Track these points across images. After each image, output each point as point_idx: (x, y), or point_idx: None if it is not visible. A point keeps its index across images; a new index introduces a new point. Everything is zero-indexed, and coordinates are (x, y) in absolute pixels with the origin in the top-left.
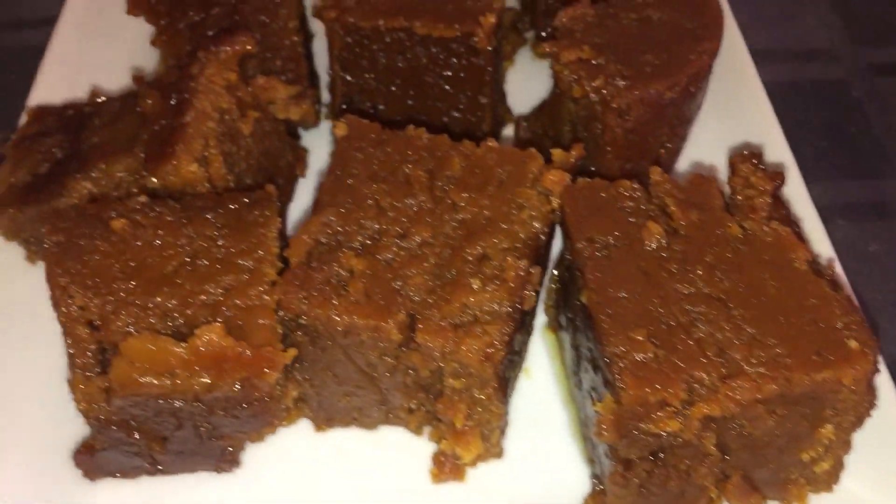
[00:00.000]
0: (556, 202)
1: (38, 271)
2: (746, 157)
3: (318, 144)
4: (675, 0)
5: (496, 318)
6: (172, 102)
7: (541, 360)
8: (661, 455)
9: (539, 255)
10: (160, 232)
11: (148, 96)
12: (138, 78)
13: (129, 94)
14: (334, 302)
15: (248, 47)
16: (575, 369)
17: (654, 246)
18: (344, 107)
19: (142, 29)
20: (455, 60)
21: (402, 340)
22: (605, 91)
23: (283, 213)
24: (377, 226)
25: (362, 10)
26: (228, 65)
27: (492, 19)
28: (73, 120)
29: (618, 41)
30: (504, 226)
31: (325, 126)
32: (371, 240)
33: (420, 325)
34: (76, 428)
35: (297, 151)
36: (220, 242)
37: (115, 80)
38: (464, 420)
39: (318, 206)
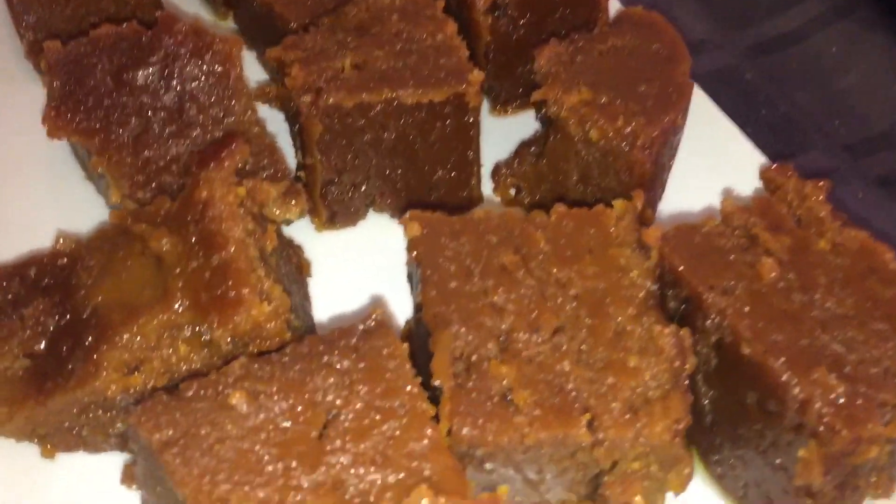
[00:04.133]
0: (655, 256)
1: (58, 466)
2: (783, 171)
3: (301, 237)
4: (630, 26)
5: (670, 391)
6: (194, 237)
7: None
8: (847, 479)
9: (664, 312)
10: (286, 395)
11: (158, 236)
12: (119, 216)
13: (110, 234)
14: (516, 421)
15: (246, 155)
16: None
17: (771, 280)
18: (323, 191)
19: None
20: (441, 122)
21: (590, 441)
22: (628, 131)
23: None
24: (503, 325)
25: (339, 88)
26: (231, 180)
27: (480, 76)
28: (43, 278)
29: (604, 76)
30: (621, 293)
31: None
32: (505, 341)
33: (602, 422)
34: None
35: (296, 252)
36: (355, 388)
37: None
38: (641, 497)
39: (433, 319)
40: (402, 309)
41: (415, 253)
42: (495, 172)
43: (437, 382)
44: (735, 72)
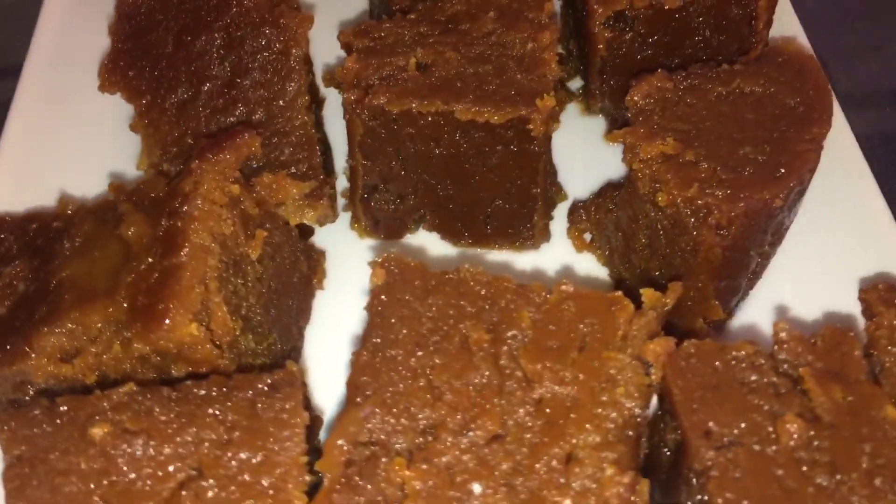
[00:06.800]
0: (657, 376)
1: None
2: (887, 296)
3: (335, 242)
4: (770, 67)
5: None
6: (161, 231)
7: None
8: None
9: (638, 449)
10: (153, 441)
11: (132, 222)
12: (116, 188)
13: (106, 206)
14: None
15: (254, 149)
16: None
17: (788, 447)
18: (366, 196)
19: (118, 108)
20: (501, 147)
21: None
22: (700, 202)
23: (305, 393)
24: (432, 415)
25: (390, 90)
26: (229, 175)
27: (550, 102)
28: (38, 238)
29: (707, 126)
30: (594, 409)
31: (343, 218)
32: (425, 436)
33: None
34: None
35: (312, 259)
36: (229, 452)
37: (88, 177)
38: None
39: (353, 389)
40: None
41: (370, 304)
42: (572, 212)
43: (320, 471)
44: None
